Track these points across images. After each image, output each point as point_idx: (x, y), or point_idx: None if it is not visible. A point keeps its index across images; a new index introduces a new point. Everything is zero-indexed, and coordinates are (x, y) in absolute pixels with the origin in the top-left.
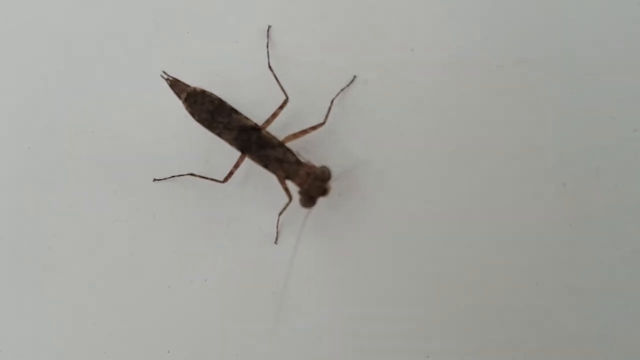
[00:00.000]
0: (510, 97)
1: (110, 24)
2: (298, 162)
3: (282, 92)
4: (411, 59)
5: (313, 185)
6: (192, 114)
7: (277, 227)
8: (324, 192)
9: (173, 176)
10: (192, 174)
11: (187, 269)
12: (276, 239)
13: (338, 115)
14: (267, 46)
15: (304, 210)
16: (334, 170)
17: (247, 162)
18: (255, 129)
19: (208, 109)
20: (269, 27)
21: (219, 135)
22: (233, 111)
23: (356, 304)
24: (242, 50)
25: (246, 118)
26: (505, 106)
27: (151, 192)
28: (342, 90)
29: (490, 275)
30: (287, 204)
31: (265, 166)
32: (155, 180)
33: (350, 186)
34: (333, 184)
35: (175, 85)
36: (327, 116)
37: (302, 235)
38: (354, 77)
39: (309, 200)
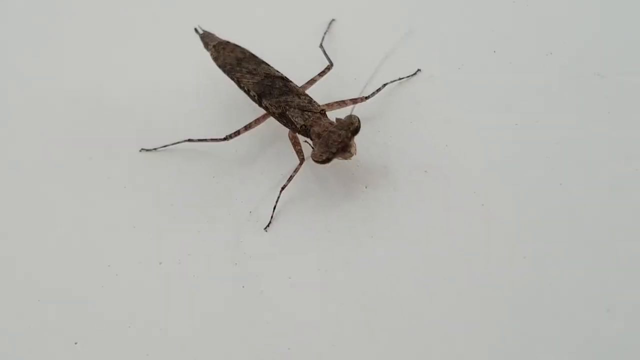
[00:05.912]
0: (603, 108)
1: None
2: (323, 114)
3: (325, 59)
4: (491, 61)
5: (334, 133)
6: (216, 58)
7: (274, 205)
8: (345, 146)
9: (166, 145)
10: (189, 140)
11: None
12: (268, 224)
13: (388, 103)
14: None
15: (313, 200)
16: (370, 162)
17: (260, 133)
18: (284, 79)
19: (236, 56)
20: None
21: (239, 80)
22: (263, 63)
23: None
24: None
25: (277, 71)
26: (592, 118)
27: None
28: (400, 79)
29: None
30: (297, 168)
31: (283, 113)
32: (142, 150)
33: (382, 182)
34: (363, 176)
35: (207, 36)
36: (373, 94)
37: (303, 228)
38: (418, 70)
39: (324, 150)
